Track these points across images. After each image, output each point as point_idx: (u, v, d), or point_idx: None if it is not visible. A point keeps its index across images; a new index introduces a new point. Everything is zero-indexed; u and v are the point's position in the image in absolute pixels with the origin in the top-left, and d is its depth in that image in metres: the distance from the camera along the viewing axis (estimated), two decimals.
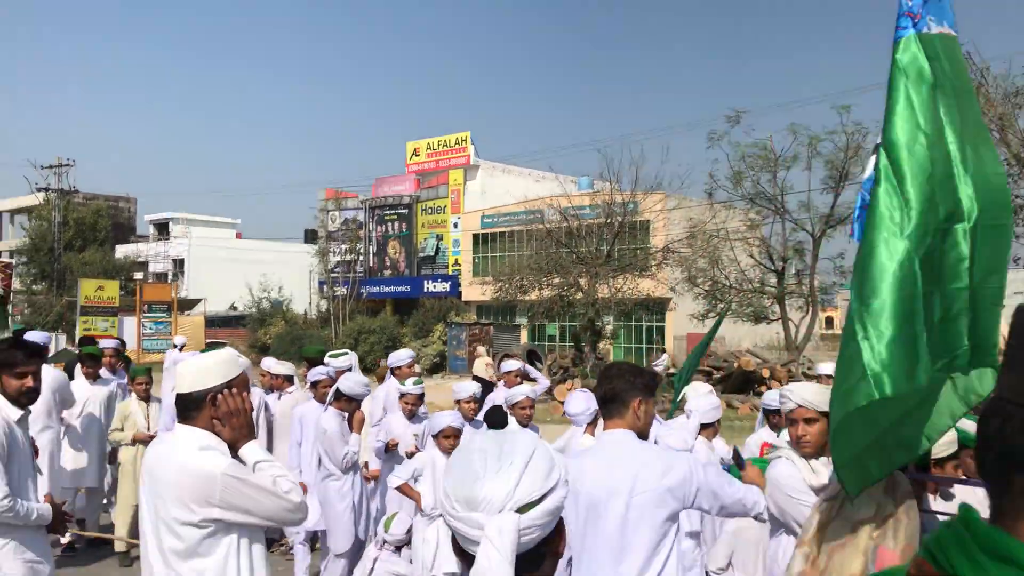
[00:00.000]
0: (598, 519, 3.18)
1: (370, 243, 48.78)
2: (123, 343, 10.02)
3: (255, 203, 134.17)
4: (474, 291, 43.66)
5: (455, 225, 45.96)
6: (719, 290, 25.85)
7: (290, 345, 32.42)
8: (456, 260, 45.95)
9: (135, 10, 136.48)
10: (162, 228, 65.48)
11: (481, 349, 19.66)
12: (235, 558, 2.60)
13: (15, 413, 3.87)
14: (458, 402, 6.85)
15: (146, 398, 7.54)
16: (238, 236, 66.83)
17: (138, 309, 34.80)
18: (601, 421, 3.49)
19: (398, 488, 5.44)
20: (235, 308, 54.25)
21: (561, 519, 1.62)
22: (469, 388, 6.89)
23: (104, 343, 9.21)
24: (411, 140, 49.36)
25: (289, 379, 8.16)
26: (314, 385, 6.99)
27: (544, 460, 1.56)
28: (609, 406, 3.37)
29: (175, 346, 13.50)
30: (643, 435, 3.42)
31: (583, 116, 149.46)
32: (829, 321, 56.57)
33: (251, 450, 2.73)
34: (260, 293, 41.29)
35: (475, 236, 45.17)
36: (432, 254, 47.10)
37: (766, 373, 21.08)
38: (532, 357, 26.82)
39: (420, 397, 6.79)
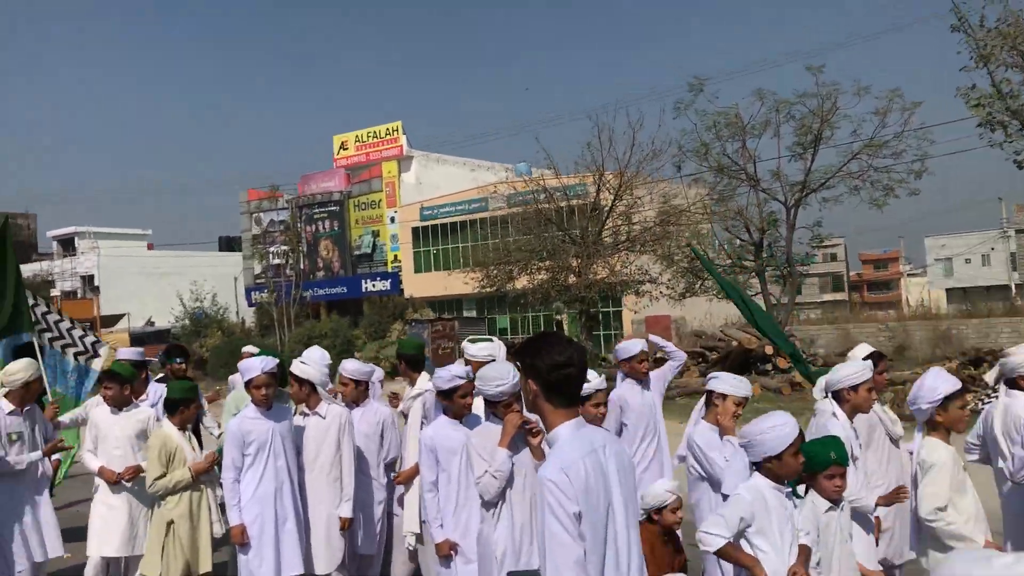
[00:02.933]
0: None
1: (300, 244, 46.20)
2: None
3: (166, 210, 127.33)
4: (417, 286, 41.65)
5: (392, 219, 43.79)
6: (697, 267, 24.59)
7: (230, 357, 29.89)
8: (395, 256, 43.80)
9: (34, 9, 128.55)
10: (67, 244, 61.26)
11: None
12: None
13: None
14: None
15: (194, 427, 5.60)
16: (149, 247, 63.06)
17: None
18: None
19: None
20: (152, 323, 50.83)
21: None
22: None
23: (124, 353, 7.19)
24: (338, 134, 47.08)
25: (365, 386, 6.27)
26: (447, 394, 4.95)
27: None
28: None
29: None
30: None
31: (519, 98, 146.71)
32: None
33: None
34: (192, 303, 38.36)
35: (415, 229, 43.08)
36: (369, 251, 44.85)
37: (769, 351, 19.86)
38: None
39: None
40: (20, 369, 5.65)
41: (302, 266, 45.20)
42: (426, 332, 28.34)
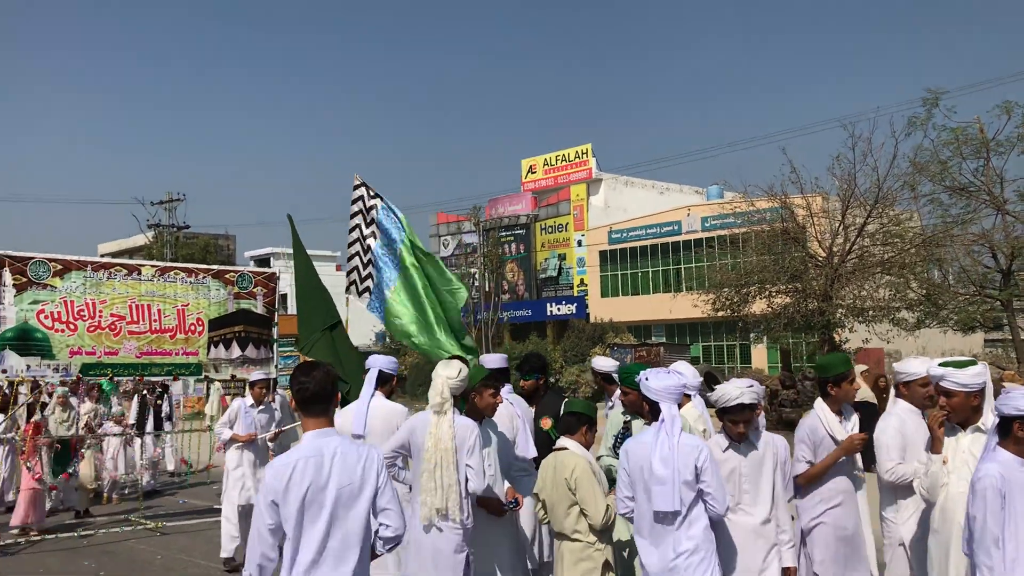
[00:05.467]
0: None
1: (486, 267, 46.51)
2: None
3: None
4: (604, 310, 40.86)
5: (579, 243, 43.28)
6: (936, 294, 22.53)
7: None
8: (582, 280, 43.24)
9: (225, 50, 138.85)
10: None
11: None
12: None
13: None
14: None
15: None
16: (338, 268, 65.46)
17: None
18: None
19: None
20: None
21: None
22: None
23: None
24: (525, 157, 47.10)
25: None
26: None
27: None
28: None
29: None
30: None
31: (706, 121, 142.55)
32: None
33: None
34: None
35: (602, 253, 42.40)
36: (554, 275, 44.52)
37: None
38: (710, 380, 23.80)
39: None
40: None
41: (487, 287, 45.39)
42: (628, 357, 27.45)
